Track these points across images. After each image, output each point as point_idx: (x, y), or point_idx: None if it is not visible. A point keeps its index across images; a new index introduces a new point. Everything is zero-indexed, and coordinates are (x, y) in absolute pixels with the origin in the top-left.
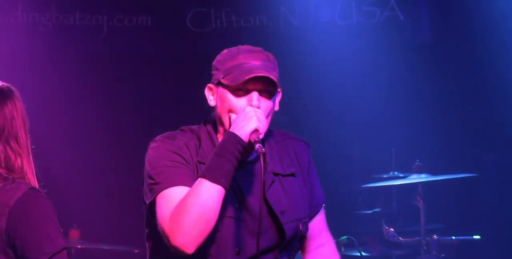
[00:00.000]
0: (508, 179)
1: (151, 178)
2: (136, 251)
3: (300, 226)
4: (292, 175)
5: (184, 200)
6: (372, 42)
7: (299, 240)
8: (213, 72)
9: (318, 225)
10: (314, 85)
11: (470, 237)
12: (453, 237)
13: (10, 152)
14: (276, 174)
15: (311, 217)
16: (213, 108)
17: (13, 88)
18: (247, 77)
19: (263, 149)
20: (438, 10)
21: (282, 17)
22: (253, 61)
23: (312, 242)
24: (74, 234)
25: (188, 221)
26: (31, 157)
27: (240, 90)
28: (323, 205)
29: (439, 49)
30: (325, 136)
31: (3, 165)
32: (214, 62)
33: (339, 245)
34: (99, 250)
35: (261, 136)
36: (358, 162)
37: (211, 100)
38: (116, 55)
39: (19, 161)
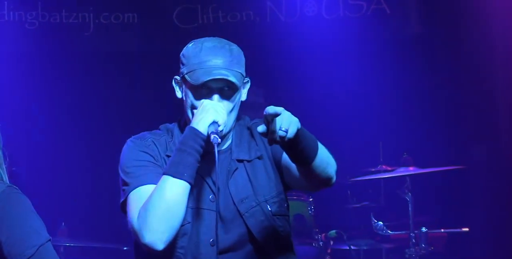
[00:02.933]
0: (495, 170)
1: (122, 179)
2: (125, 248)
3: (268, 207)
4: (259, 158)
5: (150, 198)
6: (359, 36)
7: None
8: (180, 64)
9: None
10: (301, 79)
11: (458, 229)
12: (442, 230)
13: None
14: (240, 161)
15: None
16: (180, 100)
17: None
18: (206, 79)
19: (219, 140)
20: (425, 3)
21: (268, 12)
22: (214, 59)
23: None
24: (63, 232)
25: (155, 218)
26: (2, 158)
27: (202, 88)
28: None
29: (425, 42)
30: (312, 129)
31: None
32: (181, 55)
33: (328, 239)
34: (88, 248)
35: (220, 128)
36: (346, 156)
37: (178, 92)
38: (103, 53)
39: None
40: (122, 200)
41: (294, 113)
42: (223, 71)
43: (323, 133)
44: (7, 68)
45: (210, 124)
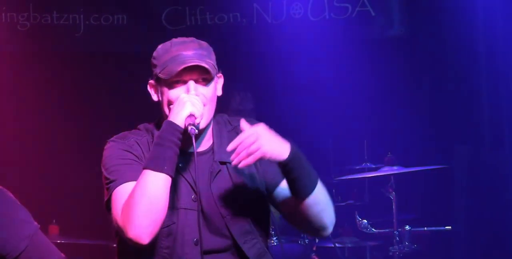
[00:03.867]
0: (478, 169)
1: (105, 177)
2: (114, 245)
3: (249, 211)
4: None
5: (132, 193)
6: (345, 37)
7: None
8: (152, 69)
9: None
10: (288, 80)
11: (441, 227)
12: (425, 228)
13: None
14: (223, 163)
15: (271, 191)
16: (157, 104)
17: None
18: (179, 69)
19: (196, 131)
20: (408, 5)
21: (255, 14)
22: (185, 51)
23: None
24: (54, 229)
25: (138, 212)
26: None
27: (177, 82)
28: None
29: (409, 43)
30: (298, 129)
31: None
32: (151, 59)
33: (313, 237)
34: (79, 245)
35: (197, 120)
36: (331, 155)
37: (154, 95)
38: (93, 54)
39: None
40: (106, 198)
41: (278, 112)
42: (195, 60)
43: (310, 132)
44: None
45: (187, 117)
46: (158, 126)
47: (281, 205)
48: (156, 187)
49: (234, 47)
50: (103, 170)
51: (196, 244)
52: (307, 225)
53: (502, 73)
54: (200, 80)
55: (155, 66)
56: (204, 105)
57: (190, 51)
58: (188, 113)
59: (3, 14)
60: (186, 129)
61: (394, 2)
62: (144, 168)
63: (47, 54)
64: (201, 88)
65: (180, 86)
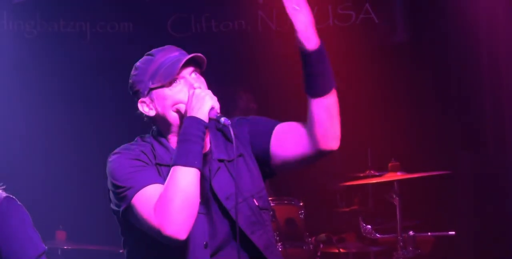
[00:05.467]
0: (481, 175)
1: (119, 187)
2: (121, 251)
3: (255, 201)
4: (240, 155)
5: (165, 191)
6: (348, 44)
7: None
8: (137, 88)
9: (283, 128)
10: (292, 87)
11: (445, 232)
12: (429, 233)
13: None
14: (221, 161)
15: (268, 141)
16: (153, 119)
17: None
18: (180, 64)
19: (229, 121)
20: (412, 12)
21: (260, 21)
22: (171, 54)
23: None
24: (61, 235)
25: (174, 209)
26: None
27: (174, 82)
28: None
29: (413, 50)
30: None
31: None
32: (132, 80)
33: (318, 242)
34: (85, 251)
35: (218, 111)
36: (336, 162)
37: (149, 111)
38: (99, 61)
39: None
40: (124, 206)
41: (284, 119)
42: (187, 55)
43: None
44: (5, 76)
45: (210, 110)
46: (155, 138)
47: (286, 150)
48: (189, 182)
49: (239, 54)
50: (113, 181)
51: (205, 247)
52: (321, 133)
53: (505, 79)
54: (194, 74)
55: (141, 82)
56: None
57: (175, 52)
58: (210, 106)
59: (11, 22)
60: (216, 121)
61: (397, 10)
62: (174, 165)
63: (54, 61)
64: (201, 80)
65: (179, 85)
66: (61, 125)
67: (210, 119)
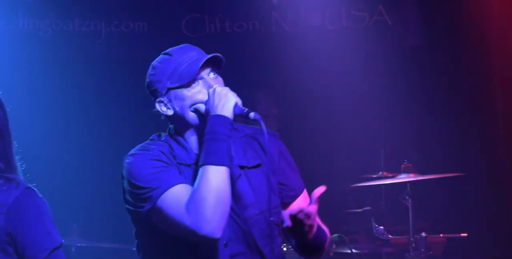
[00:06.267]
0: (493, 177)
1: (141, 188)
2: (134, 249)
3: (270, 216)
4: (258, 165)
5: (197, 191)
6: (362, 46)
7: (277, 231)
8: (155, 88)
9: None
10: (306, 88)
11: (457, 234)
12: (441, 235)
13: (8, 151)
14: (242, 167)
15: (286, 204)
16: (170, 119)
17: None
18: (199, 65)
19: (258, 115)
20: (425, 14)
21: (273, 22)
22: (188, 53)
23: None
24: (75, 232)
25: (208, 208)
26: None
27: (193, 82)
28: (303, 190)
29: (426, 52)
30: (317, 138)
31: (4, 163)
32: (149, 79)
33: (330, 243)
34: (99, 248)
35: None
36: (349, 163)
37: (167, 111)
38: (113, 60)
39: (15, 159)
40: (148, 207)
41: (298, 120)
42: (207, 54)
43: (329, 141)
44: (20, 74)
45: (234, 107)
46: (172, 137)
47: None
48: (221, 180)
49: (253, 55)
50: (134, 182)
51: (226, 246)
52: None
53: None
54: (213, 74)
55: (159, 82)
56: None
57: (192, 52)
58: (234, 103)
59: (26, 21)
60: (245, 117)
61: (411, 12)
62: (204, 164)
63: (68, 60)
64: (219, 79)
65: (198, 85)
66: (75, 123)
67: (236, 116)
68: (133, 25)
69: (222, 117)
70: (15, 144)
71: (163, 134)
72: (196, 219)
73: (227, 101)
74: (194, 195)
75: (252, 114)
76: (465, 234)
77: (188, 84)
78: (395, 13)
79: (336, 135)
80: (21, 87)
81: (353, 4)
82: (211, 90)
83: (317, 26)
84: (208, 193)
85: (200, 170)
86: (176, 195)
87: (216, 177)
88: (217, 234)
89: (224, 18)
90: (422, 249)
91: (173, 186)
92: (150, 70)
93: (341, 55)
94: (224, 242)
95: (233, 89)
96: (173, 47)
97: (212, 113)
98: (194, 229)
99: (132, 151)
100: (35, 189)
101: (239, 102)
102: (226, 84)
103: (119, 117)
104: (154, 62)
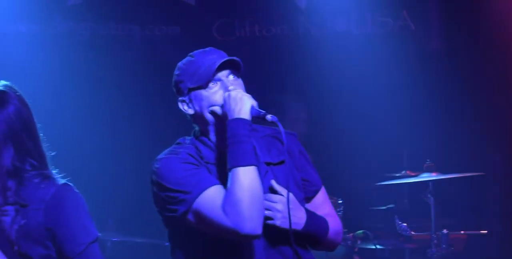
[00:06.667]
0: (511, 176)
1: (174, 191)
2: (167, 244)
3: None
4: (282, 162)
5: (231, 192)
6: (386, 50)
7: None
8: (178, 87)
9: (318, 201)
10: (331, 90)
11: (477, 231)
12: (462, 232)
13: (41, 149)
14: (268, 164)
15: (309, 198)
16: (192, 118)
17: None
18: (215, 67)
19: (275, 117)
20: (447, 19)
21: (301, 27)
22: (209, 56)
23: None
24: (111, 228)
25: (246, 208)
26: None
27: (211, 84)
28: (322, 186)
29: (448, 55)
30: (344, 138)
31: (37, 159)
32: (174, 79)
33: (355, 239)
34: (133, 243)
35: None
36: (373, 162)
37: (188, 110)
38: (147, 62)
39: (46, 156)
40: (183, 210)
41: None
42: (226, 57)
43: (354, 141)
44: (57, 76)
45: (251, 109)
46: (197, 138)
47: None
48: (252, 180)
49: (281, 58)
50: (166, 185)
51: (258, 238)
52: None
53: None
54: (232, 76)
55: (181, 82)
56: None
57: (214, 54)
58: (251, 106)
59: (63, 25)
60: (262, 118)
61: (433, 17)
62: (232, 167)
63: (104, 62)
64: (237, 82)
65: (215, 87)
66: (111, 121)
67: (253, 118)
68: (167, 29)
69: (241, 120)
70: (43, 137)
71: (188, 138)
72: (236, 220)
73: (243, 105)
74: (229, 196)
75: (269, 116)
76: (485, 231)
77: (206, 85)
78: (418, 18)
79: (362, 136)
80: (56, 88)
81: (377, 9)
82: (226, 94)
83: (342, 31)
84: (243, 193)
85: (230, 173)
86: (211, 197)
87: (247, 177)
88: (258, 231)
89: (254, 22)
90: (444, 246)
91: (207, 188)
92: (175, 71)
93: (365, 59)
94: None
95: (260, 91)
96: (197, 50)
97: (230, 118)
98: (235, 229)
99: (161, 156)
100: (71, 184)
101: (255, 104)
102: (253, 86)
103: (153, 115)
104: (179, 63)
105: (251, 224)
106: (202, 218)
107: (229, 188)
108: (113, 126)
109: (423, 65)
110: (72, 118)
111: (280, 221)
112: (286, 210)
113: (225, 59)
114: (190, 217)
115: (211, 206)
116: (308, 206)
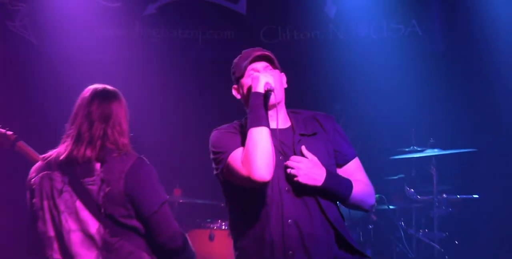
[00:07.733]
0: (500, 153)
1: (216, 153)
2: (222, 205)
3: None
4: (315, 134)
5: (246, 148)
6: (398, 52)
7: None
8: (232, 78)
9: (350, 169)
10: (357, 85)
11: (470, 196)
12: (458, 196)
13: (116, 134)
14: (302, 135)
15: (340, 165)
16: (241, 101)
17: (117, 91)
18: (250, 59)
19: (272, 88)
20: (449, 27)
21: (331, 32)
22: (251, 53)
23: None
24: (177, 192)
25: (256, 158)
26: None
27: (247, 73)
28: (355, 157)
29: (448, 56)
30: (364, 121)
31: (112, 142)
32: (231, 72)
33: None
34: (196, 204)
35: (272, 86)
36: (388, 140)
37: (237, 95)
38: (208, 61)
39: (123, 140)
40: (222, 166)
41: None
42: (261, 52)
43: (372, 123)
44: (136, 72)
45: (265, 85)
46: (245, 117)
47: None
48: (262, 137)
49: (314, 58)
50: (212, 149)
51: (288, 191)
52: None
53: None
54: (264, 67)
55: (233, 73)
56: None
57: (256, 52)
58: (264, 82)
59: (141, 30)
60: (266, 94)
61: (437, 24)
62: (248, 128)
63: (173, 61)
64: (270, 70)
65: (251, 75)
66: (177, 111)
67: (265, 91)
68: (224, 34)
69: (255, 93)
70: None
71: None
72: (248, 168)
73: (259, 82)
74: (245, 151)
75: (269, 89)
76: (477, 196)
77: (244, 74)
78: (424, 25)
79: (379, 117)
80: (134, 83)
81: (392, 18)
82: (251, 77)
83: (363, 36)
84: (254, 147)
85: (247, 133)
86: (237, 155)
87: (258, 136)
88: (267, 177)
89: (293, 28)
90: (443, 207)
91: (235, 149)
92: (232, 66)
93: (382, 58)
94: (286, 188)
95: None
96: (247, 49)
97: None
98: (248, 176)
99: (216, 128)
100: (145, 158)
101: (270, 81)
102: (293, 82)
103: (213, 105)
104: (234, 60)
105: (260, 171)
106: (231, 172)
107: (246, 144)
108: (179, 113)
109: (428, 63)
110: (151, 105)
111: (302, 178)
112: (308, 168)
113: (257, 54)
114: (226, 172)
115: (236, 160)
116: (340, 171)
